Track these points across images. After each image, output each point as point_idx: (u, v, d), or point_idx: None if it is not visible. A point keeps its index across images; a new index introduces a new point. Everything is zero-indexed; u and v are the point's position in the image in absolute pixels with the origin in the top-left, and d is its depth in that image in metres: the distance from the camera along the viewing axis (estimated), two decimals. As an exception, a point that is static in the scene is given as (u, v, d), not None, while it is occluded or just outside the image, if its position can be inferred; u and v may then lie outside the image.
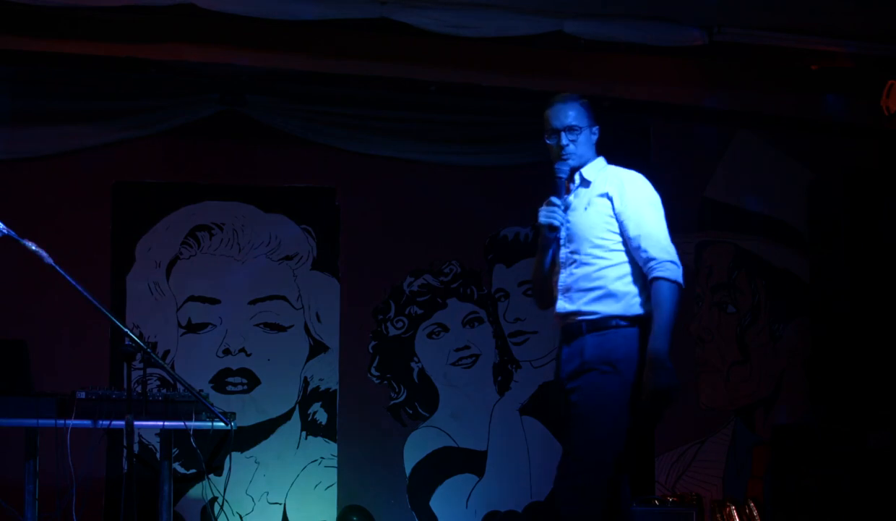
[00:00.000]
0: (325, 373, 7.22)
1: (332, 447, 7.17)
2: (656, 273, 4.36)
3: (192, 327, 7.07)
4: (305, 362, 7.20)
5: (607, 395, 4.33)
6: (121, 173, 7.02)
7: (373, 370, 7.31)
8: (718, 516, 7.04)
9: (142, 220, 7.06)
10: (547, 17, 6.32)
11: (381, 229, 7.33)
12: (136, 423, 4.68)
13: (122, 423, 4.70)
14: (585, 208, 4.49)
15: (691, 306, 7.60)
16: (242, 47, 6.36)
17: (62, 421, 5.00)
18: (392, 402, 7.31)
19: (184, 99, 7.00)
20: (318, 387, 7.20)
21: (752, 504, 7.05)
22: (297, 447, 7.16)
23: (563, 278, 4.48)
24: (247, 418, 6.94)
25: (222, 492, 5.66)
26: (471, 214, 7.41)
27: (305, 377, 7.18)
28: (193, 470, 6.77)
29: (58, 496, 5.03)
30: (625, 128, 7.67)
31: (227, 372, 7.09)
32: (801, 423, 7.53)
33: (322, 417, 7.19)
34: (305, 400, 7.17)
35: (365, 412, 7.26)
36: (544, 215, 4.51)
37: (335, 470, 7.16)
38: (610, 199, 4.48)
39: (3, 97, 6.72)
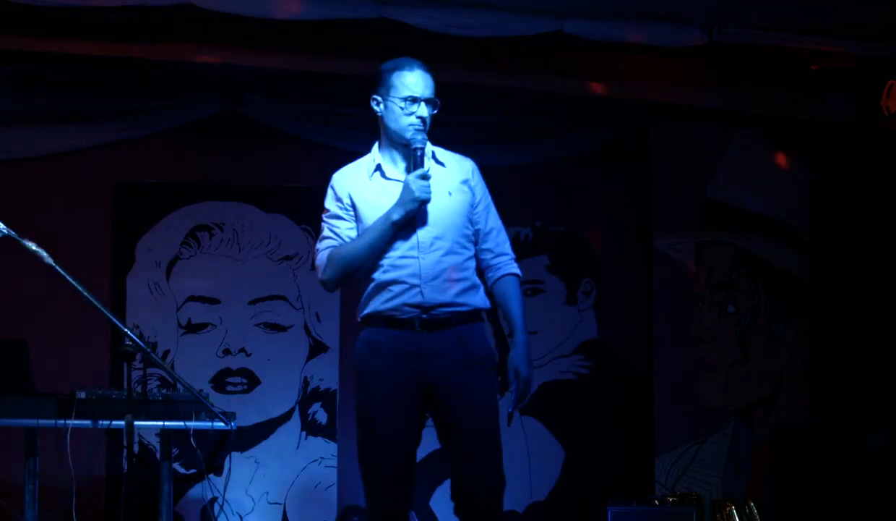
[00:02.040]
0: (326, 373, 7.21)
1: (333, 447, 7.17)
2: (513, 269, 4.41)
3: (192, 327, 7.07)
4: (305, 362, 7.20)
5: (494, 392, 4.31)
6: (120, 173, 7.02)
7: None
8: (718, 516, 7.04)
9: (142, 220, 7.06)
10: (546, 17, 6.33)
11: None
12: (136, 423, 4.67)
13: (122, 423, 4.68)
14: (450, 194, 4.31)
15: (691, 306, 7.60)
16: (242, 47, 6.37)
17: (62, 421, 5.01)
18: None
19: (184, 99, 6.99)
20: (318, 387, 7.20)
21: (752, 504, 7.05)
22: (297, 447, 7.16)
23: (427, 263, 4.22)
24: (247, 418, 6.94)
25: (222, 492, 5.67)
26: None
27: (305, 377, 7.18)
28: (193, 470, 6.76)
29: (58, 495, 5.03)
30: (624, 128, 7.69)
31: (227, 372, 7.09)
32: (801, 423, 7.53)
33: (322, 417, 7.19)
34: (305, 400, 7.18)
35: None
36: (423, 190, 4.20)
37: (335, 470, 7.15)
38: (471, 189, 4.39)
39: (2, 97, 6.71)
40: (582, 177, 7.69)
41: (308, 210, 7.22)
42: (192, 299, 7.08)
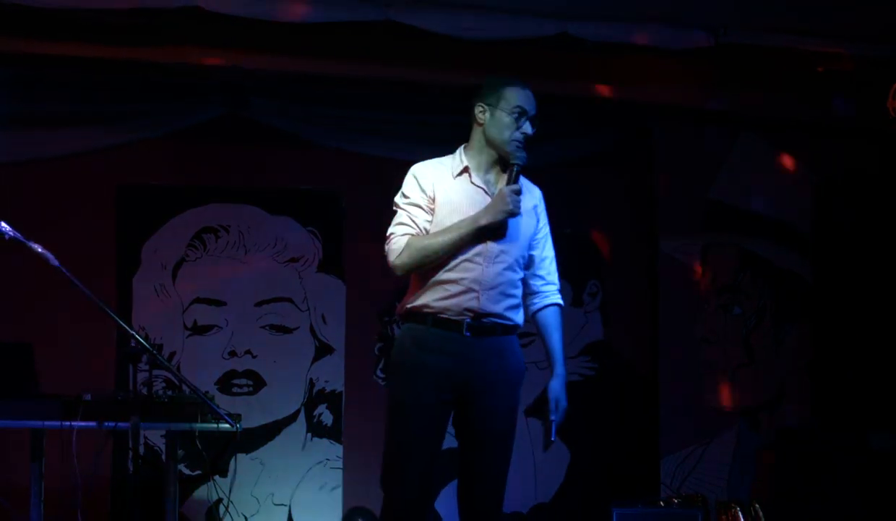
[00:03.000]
0: (331, 375, 7.22)
1: (338, 449, 7.18)
2: (559, 300, 4.61)
3: (198, 329, 7.08)
4: (311, 364, 7.20)
5: (518, 405, 4.53)
6: (126, 176, 7.03)
7: (379, 372, 7.32)
8: (724, 517, 7.04)
9: (147, 222, 7.07)
10: (551, 20, 6.34)
11: (386, 231, 7.32)
12: (142, 424, 4.69)
13: (127, 424, 4.71)
14: (521, 215, 4.42)
15: (696, 308, 7.60)
16: (247, 50, 6.38)
17: (68, 423, 5.01)
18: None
19: (188, 102, 7.00)
20: (323, 389, 7.21)
21: (756, 506, 7.05)
22: (303, 449, 7.16)
23: (490, 274, 4.35)
24: (252, 420, 6.95)
25: (227, 493, 5.67)
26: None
27: (311, 379, 7.19)
28: (199, 471, 6.77)
29: (63, 497, 5.04)
30: (629, 130, 7.69)
31: (233, 374, 7.10)
32: (805, 425, 7.53)
33: (328, 418, 7.20)
34: (311, 402, 7.18)
35: (370, 414, 7.24)
36: (516, 204, 4.33)
37: (341, 472, 7.16)
38: (537, 215, 4.56)
39: (6, 100, 6.73)
40: (587, 179, 7.70)
41: (314, 212, 7.25)
42: (198, 300, 7.09)
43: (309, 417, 7.18)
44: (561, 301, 4.62)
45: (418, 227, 4.40)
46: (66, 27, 6.10)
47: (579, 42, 6.46)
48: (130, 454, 4.82)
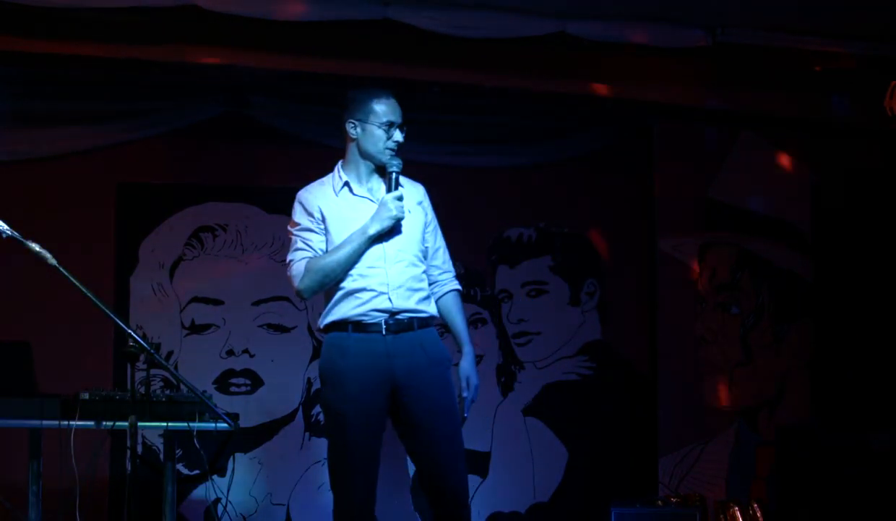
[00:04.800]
0: (329, 374, 7.21)
1: (336, 448, 7.17)
2: (456, 285, 4.85)
3: (196, 328, 7.07)
4: (309, 363, 7.20)
5: (454, 390, 4.70)
6: (124, 175, 7.02)
7: (376, 371, 7.31)
8: (722, 517, 7.04)
9: (145, 221, 7.06)
10: (550, 19, 6.34)
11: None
12: (140, 424, 4.68)
13: (125, 424, 4.70)
14: (409, 212, 4.66)
15: (694, 307, 7.60)
16: (245, 49, 6.37)
17: (66, 422, 5.00)
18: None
19: (187, 100, 7.00)
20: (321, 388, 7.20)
21: (755, 506, 7.05)
22: (301, 448, 7.16)
23: (394, 273, 4.59)
24: (250, 420, 6.94)
25: (226, 493, 5.66)
26: (474, 215, 7.41)
27: (309, 378, 7.19)
28: (197, 471, 6.76)
29: (61, 496, 5.03)
30: (627, 128, 7.69)
31: (231, 373, 7.09)
32: (804, 424, 7.53)
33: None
34: (309, 401, 7.18)
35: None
36: (399, 209, 4.59)
37: (339, 471, 7.15)
38: (424, 210, 4.79)
39: (5, 98, 6.72)
40: (585, 178, 7.70)
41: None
42: (196, 300, 7.08)
43: (307, 416, 7.17)
44: (459, 286, 4.87)
45: (314, 249, 4.64)
46: (65, 26, 6.09)
47: (577, 41, 6.45)
48: (128, 453, 4.81)
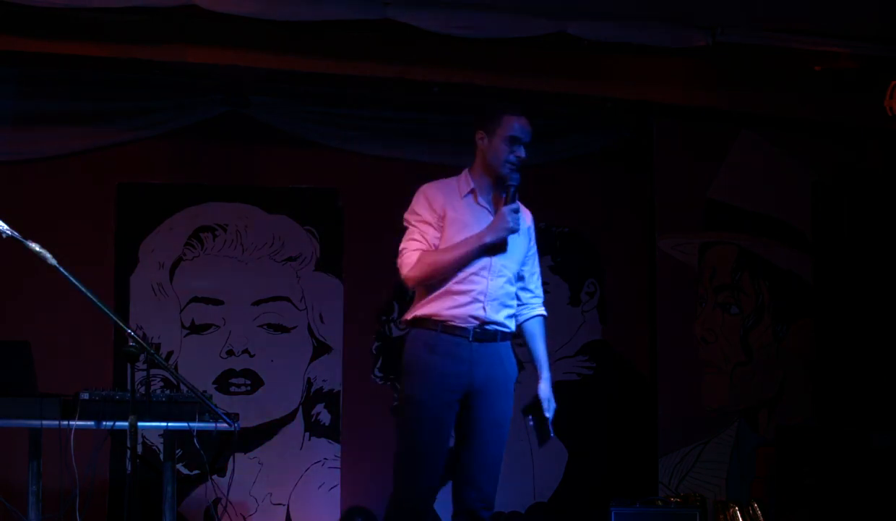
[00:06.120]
0: (329, 374, 7.22)
1: (336, 448, 7.18)
2: (543, 311, 5.06)
3: (196, 329, 7.07)
4: (309, 363, 7.20)
5: (510, 411, 4.97)
6: (124, 175, 7.03)
7: (376, 371, 7.32)
8: (722, 517, 7.05)
9: (145, 221, 7.06)
10: (550, 19, 6.33)
11: (384, 230, 7.32)
12: (140, 424, 4.66)
13: (125, 424, 4.71)
14: (518, 233, 4.84)
15: (694, 307, 7.60)
16: (245, 49, 6.37)
17: (66, 422, 5.00)
18: (395, 403, 7.30)
19: (187, 100, 7.00)
20: (321, 388, 7.20)
21: (755, 505, 7.05)
22: (301, 448, 7.16)
23: (493, 286, 4.79)
24: (250, 420, 6.94)
25: (226, 493, 5.66)
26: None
27: (309, 378, 7.19)
28: (197, 471, 6.77)
29: (61, 496, 5.03)
30: (628, 129, 7.69)
31: (231, 373, 7.09)
32: (804, 424, 7.52)
33: (325, 418, 7.19)
34: (309, 401, 7.18)
35: (368, 413, 7.26)
36: (515, 222, 4.77)
37: (338, 471, 7.16)
38: (529, 235, 4.99)
39: (6, 98, 6.72)
40: (585, 178, 7.70)
41: (311, 211, 7.25)
42: (196, 300, 7.08)
43: (307, 416, 7.17)
44: (545, 312, 5.08)
45: (428, 242, 4.81)
46: (65, 26, 6.08)
47: (577, 41, 6.45)
48: (128, 453, 4.82)
